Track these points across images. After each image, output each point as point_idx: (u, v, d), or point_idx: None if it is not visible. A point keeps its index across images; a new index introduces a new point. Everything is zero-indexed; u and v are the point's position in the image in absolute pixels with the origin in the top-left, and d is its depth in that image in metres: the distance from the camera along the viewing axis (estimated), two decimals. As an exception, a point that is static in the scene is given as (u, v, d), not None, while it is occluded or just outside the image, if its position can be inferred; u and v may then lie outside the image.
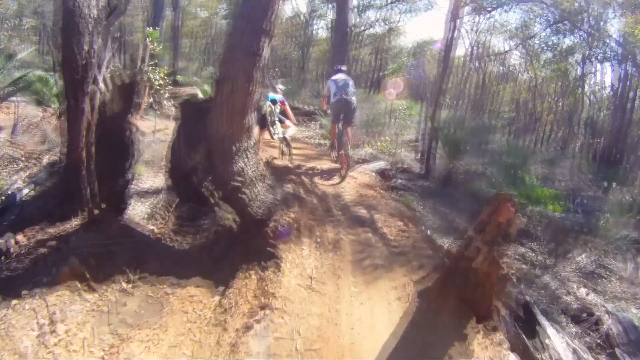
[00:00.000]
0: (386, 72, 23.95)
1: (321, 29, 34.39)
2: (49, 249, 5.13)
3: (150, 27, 15.22)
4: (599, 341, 5.86)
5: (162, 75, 12.87)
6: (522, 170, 10.11)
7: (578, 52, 23.29)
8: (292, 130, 9.95)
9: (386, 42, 32.13)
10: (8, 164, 7.87)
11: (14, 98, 9.77)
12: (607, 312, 6.08)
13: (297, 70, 33.18)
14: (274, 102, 9.35)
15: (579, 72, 24.09)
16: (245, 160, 5.29)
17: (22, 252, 5.12)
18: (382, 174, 10.05)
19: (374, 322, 4.51)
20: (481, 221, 3.92)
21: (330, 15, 27.58)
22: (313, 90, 24.23)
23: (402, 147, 14.93)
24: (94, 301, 4.45)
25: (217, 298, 4.72)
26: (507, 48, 28.17)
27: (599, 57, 21.69)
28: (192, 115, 5.35)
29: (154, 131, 10.31)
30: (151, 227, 6.22)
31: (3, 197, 6.30)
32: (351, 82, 9.14)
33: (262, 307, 4.36)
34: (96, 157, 5.47)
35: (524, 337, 4.95)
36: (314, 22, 32.94)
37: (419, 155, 13.79)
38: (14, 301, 4.19)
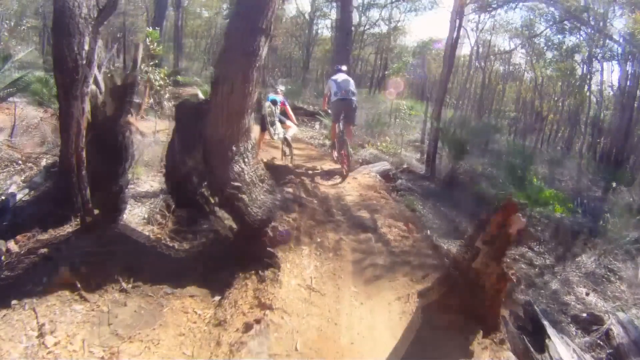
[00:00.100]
0: (389, 72, 23.80)
1: (324, 29, 34.44)
2: (41, 256, 4.98)
3: (150, 27, 15.15)
4: (609, 351, 5.70)
5: (162, 75, 12.77)
6: (525, 171, 9.95)
7: (581, 51, 23.20)
8: (293, 130, 9.90)
9: (389, 41, 32.08)
10: (5, 166, 7.75)
11: (14, 99, 9.69)
12: (618, 321, 5.92)
13: (300, 70, 33.16)
14: (274, 102, 9.35)
15: (581, 71, 24.05)
16: (244, 162, 5.14)
17: (14, 260, 4.97)
18: (385, 175, 9.86)
19: (374, 322, 4.42)
20: (489, 232, 3.74)
21: (333, 14, 27.56)
22: (315, 90, 24.16)
23: (405, 147, 14.83)
24: (85, 312, 4.27)
25: (212, 309, 4.57)
26: (510, 47, 28.16)
27: (605, 56, 21.57)
28: (189, 117, 5.20)
29: (155, 132, 10.19)
30: (148, 232, 6.10)
31: (-3, 202, 6.17)
32: (352, 82, 9.13)
33: (261, 310, 4.23)
34: (90, 161, 5.31)
35: (533, 351, 4.81)
36: (317, 21, 32.96)
37: (422, 155, 13.70)
38: (4, 311, 4.04)
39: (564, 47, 23.74)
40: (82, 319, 4.11)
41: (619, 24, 19.81)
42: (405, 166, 12.18)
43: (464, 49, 27.53)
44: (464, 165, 12.57)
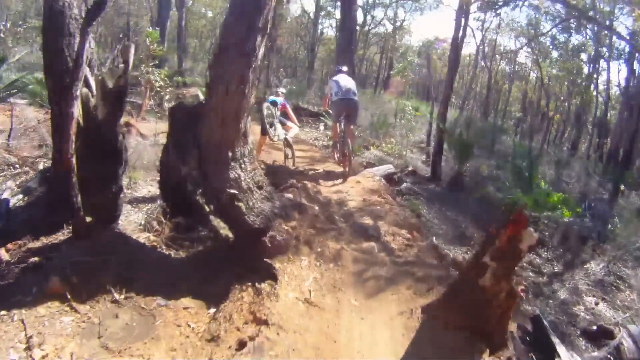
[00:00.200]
0: (393, 72, 23.66)
1: (328, 28, 34.37)
2: (31, 265, 4.80)
3: (152, 28, 15.04)
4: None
5: (162, 76, 12.63)
6: (532, 173, 9.75)
7: (587, 50, 23.04)
8: (294, 131, 9.89)
9: (394, 40, 31.97)
10: (1, 170, 7.60)
11: (14, 100, 9.57)
12: (629, 334, 5.69)
13: (304, 70, 33.05)
14: (274, 104, 9.36)
15: (588, 70, 23.89)
16: (240, 168, 4.95)
17: (4, 269, 4.79)
18: (389, 178, 9.76)
19: (375, 339, 4.22)
20: (499, 248, 3.53)
21: (338, 14, 27.40)
22: (320, 91, 24.00)
23: (410, 149, 14.66)
24: (75, 324, 4.12)
25: (206, 322, 4.38)
26: (515, 46, 28.00)
27: (612, 55, 21.38)
28: (184, 121, 5.00)
29: (155, 134, 10.02)
30: (144, 239, 5.92)
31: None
32: (353, 83, 9.21)
33: (257, 326, 4.05)
34: (83, 167, 5.12)
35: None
36: (321, 21, 32.87)
37: (427, 157, 13.54)
38: (-7, 324, 3.89)
39: (570, 46, 23.62)
40: (71, 331, 3.98)
41: (625, 22, 19.65)
42: (410, 168, 12.02)
43: (470, 48, 27.43)
44: (470, 168, 12.38)
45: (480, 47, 26.62)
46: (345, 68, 9.79)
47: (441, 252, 6.59)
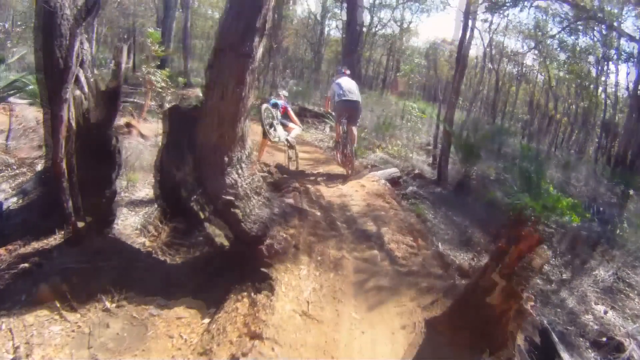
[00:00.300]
0: (399, 74, 23.51)
1: (334, 30, 34.24)
2: (21, 271, 4.68)
3: (155, 28, 14.96)
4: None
5: (163, 77, 12.51)
6: (540, 177, 9.56)
7: (594, 52, 22.87)
8: (295, 131, 9.87)
9: (400, 42, 31.84)
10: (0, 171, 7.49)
11: (14, 100, 9.47)
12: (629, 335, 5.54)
13: (310, 71, 32.95)
14: (275, 106, 9.40)
15: (595, 72, 23.69)
16: (239, 172, 4.81)
17: (-1, 272, 4.67)
18: (393, 181, 9.64)
19: (375, 355, 4.04)
20: (509, 265, 3.34)
21: (344, 15, 27.27)
22: (325, 92, 23.86)
23: (415, 151, 14.50)
24: (65, 334, 4.03)
25: (200, 333, 4.22)
26: (522, 48, 27.81)
27: (620, 57, 21.18)
28: (180, 124, 4.86)
29: (156, 135, 9.90)
30: (139, 244, 5.78)
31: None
32: (355, 85, 9.28)
33: (251, 340, 3.89)
34: (77, 170, 5.00)
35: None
36: (327, 22, 32.75)
37: (434, 160, 13.38)
38: (-16, 330, 3.78)
39: (577, 48, 23.45)
40: (60, 341, 3.88)
41: (633, 24, 19.47)
42: (415, 171, 11.85)
43: (476, 50, 27.27)
44: (477, 171, 12.19)
45: (487, 49, 26.44)
46: (347, 71, 9.86)
47: (446, 260, 6.42)
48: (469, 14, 11.88)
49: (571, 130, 27.31)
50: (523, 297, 3.37)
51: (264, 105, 9.10)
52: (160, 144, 8.02)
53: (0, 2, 22.51)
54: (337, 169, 9.83)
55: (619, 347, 5.98)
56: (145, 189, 7.49)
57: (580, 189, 14.36)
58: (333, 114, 10.43)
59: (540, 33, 24.57)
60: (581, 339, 6.26)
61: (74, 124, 4.95)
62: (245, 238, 4.89)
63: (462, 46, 11.80)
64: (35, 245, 5.23)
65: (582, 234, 9.45)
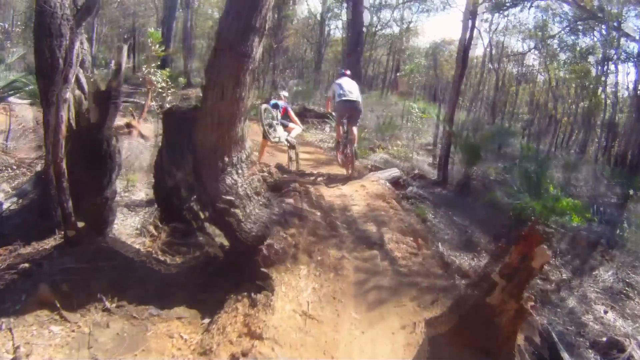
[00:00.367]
0: (400, 74, 23.50)
1: (336, 30, 34.24)
2: (21, 272, 4.66)
3: (155, 28, 14.98)
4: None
5: (164, 77, 12.51)
6: (541, 177, 9.54)
7: (596, 52, 22.84)
8: (295, 131, 9.91)
9: (401, 42, 31.84)
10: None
11: (14, 100, 9.47)
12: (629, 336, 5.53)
13: (311, 71, 32.93)
14: (275, 107, 9.46)
15: (595, 72, 23.66)
16: (237, 174, 4.76)
17: (-7, 276, 4.66)
18: (394, 181, 9.61)
19: (375, 355, 4.02)
20: (509, 265, 3.32)
21: (345, 15, 27.28)
22: (326, 92, 23.89)
23: (416, 151, 14.49)
24: (65, 334, 3.99)
25: (199, 333, 4.21)
26: (523, 48, 27.81)
27: (620, 58, 21.16)
28: (178, 125, 4.85)
29: (156, 135, 9.91)
30: (139, 245, 5.85)
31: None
32: (356, 86, 9.29)
33: (250, 340, 3.87)
34: (75, 171, 4.99)
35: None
36: (329, 22, 32.75)
37: (434, 160, 13.37)
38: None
39: (578, 48, 23.44)
40: (60, 342, 3.84)
41: (634, 23, 19.45)
42: (416, 171, 11.86)
43: (477, 51, 27.27)
44: (477, 171, 12.18)
45: (488, 49, 26.46)
46: (348, 72, 9.87)
47: (447, 260, 6.42)
48: (470, 13, 11.88)
49: (572, 130, 27.28)
50: (523, 298, 3.36)
51: (263, 106, 9.14)
52: (160, 144, 8.09)
53: (1, 2, 22.49)
54: (338, 170, 9.82)
55: (619, 347, 5.97)
56: (145, 190, 7.51)
57: (581, 189, 14.34)
58: (334, 114, 10.46)
59: (540, 33, 24.56)
60: (581, 339, 6.26)
61: (73, 124, 4.94)
62: (245, 238, 4.85)
63: (464, 46, 11.78)
64: (36, 245, 5.25)
65: (582, 234, 9.44)
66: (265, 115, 8.93)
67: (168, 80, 12.80)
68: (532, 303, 3.53)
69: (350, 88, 9.06)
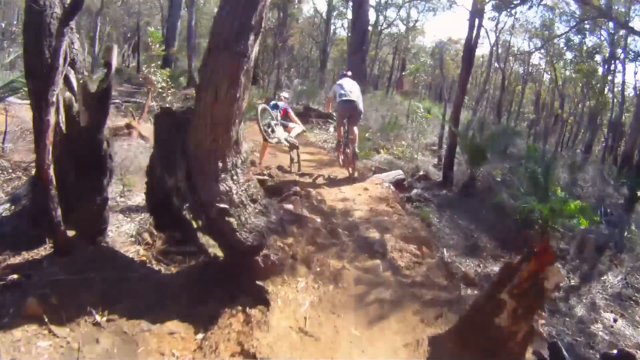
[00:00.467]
0: (404, 73, 23.33)
1: (340, 29, 34.17)
2: (13, 281, 4.49)
3: (154, 28, 14.84)
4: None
5: (164, 76, 12.36)
6: (547, 179, 9.35)
7: (601, 52, 22.67)
8: (296, 130, 9.91)
9: (406, 41, 31.70)
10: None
11: (16, 101, 9.33)
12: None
13: (316, 70, 32.83)
14: (275, 107, 9.44)
15: (602, 71, 23.48)
16: (232, 180, 4.54)
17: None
18: (397, 183, 9.53)
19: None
20: (519, 284, 3.10)
21: (350, 14, 27.16)
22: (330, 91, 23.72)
23: (421, 151, 14.30)
24: (53, 349, 3.79)
25: (192, 350, 4.03)
26: (529, 48, 27.64)
27: (628, 57, 20.96)
28: (170, 129, 4.62)
29: (157, 136, 9.73)
30: (133, 253, 5.63)
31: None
32: (357, 86, 9.36)
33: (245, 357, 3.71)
34: (66, 176, 4.80)
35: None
36: (334, 21, 32.66)
37: (439, 161, 13.21)
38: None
39: (584, 47, 23.28)
40: (48, 358, 3.67)
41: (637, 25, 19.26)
42: (421, 173, 11.72)
43: (483, 49, 27.12)
44: (482, 172, 11.97)
45: (494, 49, 26.26)
46: (349, 73, 9.97)
47: (451, 269, 6.23)
48: (476, 12, 11.71)
49: (578, 130, 27.12)
50: (535, 319, 3.14)
51: (261, 106, 9.03)
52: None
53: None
54: (340, 171, 9.73)
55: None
56: (141, 194, 7.28)
57: (587, 190, 14.16)
58: (335, 114, 10.61)
59: (547, 32, 24.39)
60: (591, 351, 6.06)
61: (63, 128, 4.74)
62: (240, 248, 4.63)
63: (469, 45, 11.60)
64: (26, 255, 5.04)
65: (590, 237, 9.26)
66: (263, 115, 8.82)
67: (168, 80, 12.66)
68: (543, 321, 3.33)
69: (350, 88, 9.09)
